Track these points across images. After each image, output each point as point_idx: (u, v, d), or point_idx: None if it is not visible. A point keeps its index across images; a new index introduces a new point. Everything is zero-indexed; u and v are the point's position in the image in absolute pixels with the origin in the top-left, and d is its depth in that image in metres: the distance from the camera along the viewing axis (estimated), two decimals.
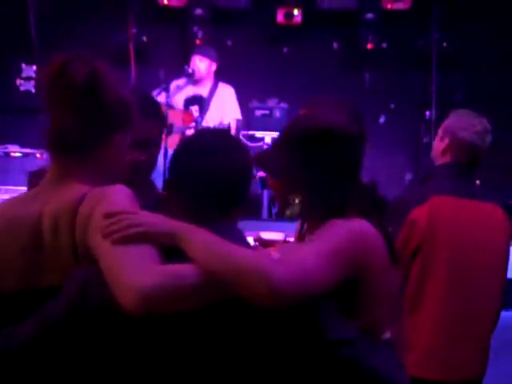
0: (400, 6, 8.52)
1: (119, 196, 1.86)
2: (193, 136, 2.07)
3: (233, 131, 6.91)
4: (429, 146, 7.35)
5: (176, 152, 1.96)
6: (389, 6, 8.55)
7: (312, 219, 2.07)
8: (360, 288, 1.88)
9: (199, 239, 1.68)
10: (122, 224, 1.71)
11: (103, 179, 2.00)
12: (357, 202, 2.02)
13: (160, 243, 1.71)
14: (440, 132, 3.41)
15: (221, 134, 2.03)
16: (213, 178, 1.86)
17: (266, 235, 2.61)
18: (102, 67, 2.00)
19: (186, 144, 2.00)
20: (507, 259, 3.36)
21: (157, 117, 2.67)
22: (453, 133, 3.34)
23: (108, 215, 1.74)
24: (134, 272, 1.63)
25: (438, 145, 3.39)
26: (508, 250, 3.37)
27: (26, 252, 1.92)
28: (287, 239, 2.64)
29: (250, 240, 2.53)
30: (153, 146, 2.65)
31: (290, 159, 2.06)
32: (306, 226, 2.12)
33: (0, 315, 1.95)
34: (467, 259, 3.20)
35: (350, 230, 1.90)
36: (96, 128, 1.99)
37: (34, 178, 3.06)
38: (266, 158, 2.18)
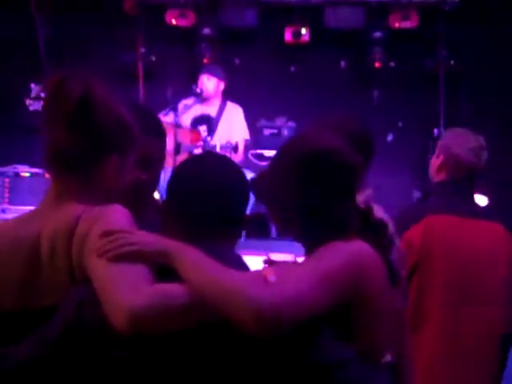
0: (407, 24, 8.54)
1: (116, 216, 1.86)
2: (190, 159, 2.08)
3: (241, 151, 6.91)
4: None
5: (174, 174, 1.97)
6: (396, 25, 8.57)
7: (311, 242, 2.04)
8: (357, 311, 1.85)
9: (190, 259, 1.67)
10: (116, 243, 1.71)
11: (101, 199, 2.00)
12: (355, 225, 2.01)
13: (154, 262, 1.72)
14: (436, 149, 3.40)
15: (218, 157, 2.06)
16: (210, 201, 1.86)
17: (276, 256, 2.59)
18: (98, 86, 2.01)
19: (183, 166, 2.01)
20: (510, 280, 3.25)
21: (158, 134, 2.60)
22: (448, 149, 3.32)
23: (104, 234, 1.75)
24: (125, 292, 1.64)
25: (434, 162, 3.37)
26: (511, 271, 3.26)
27: (25, 272, 1.93)
28: (296, 261, 2.61)
29: (260, 261, 2.52)
30: (154, 164, 2.58)
31: (286, 182, 2.04)
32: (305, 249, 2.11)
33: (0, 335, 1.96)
34: (463, 280, 3.14)
35: (349, 252, 1.88)
36: (90, 147, 1.99)
37: None
38: (261, 182, 2.14)
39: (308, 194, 2.00)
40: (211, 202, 1.86)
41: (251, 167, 7.16)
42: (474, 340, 3.14)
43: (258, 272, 1.79)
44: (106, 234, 1.75)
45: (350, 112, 7.09)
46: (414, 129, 8.58)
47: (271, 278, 1.76)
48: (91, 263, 1.76)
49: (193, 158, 2.17)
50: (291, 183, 2.03)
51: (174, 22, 8.64)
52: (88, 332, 1.72)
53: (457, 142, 3.31)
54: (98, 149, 2.00)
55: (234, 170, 1.98)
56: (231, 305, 1.61)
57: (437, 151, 3.38)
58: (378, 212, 2.61)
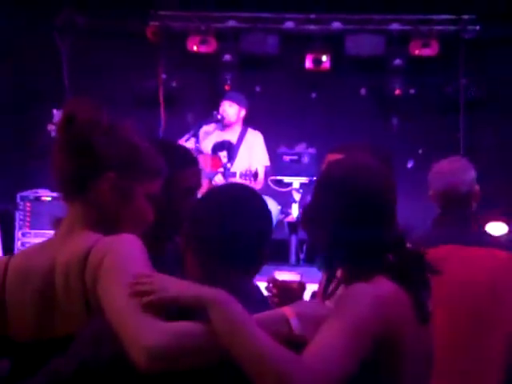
0: (428, 52, 8.56)
1: (127, 246, 1.86)
2: (212, 194, 2.03)
3: (261, 177, 6.91)
4: None
5: (198, 208, 1.95)
6: (416, 52, 8.58)
7: (348, 273, 2.02)
8: (385, 355, 1.82)
9: (223, 313, 1.64)
10: (150, 287, 1.70)
11: (113, 226, 2.01)
12: (384, 257, 1.95)
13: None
14: None
15: (246, 192, 1.99)
16: (238, 240, 1.84)
17: (281, 275, 2.56)
18: (102, 112, 2.04)
19: (208, 200, 1.97)
20: None
21: (188, 163, 2.61)
22: (429, 184, 3.34)
23: (138, 276, 1.73)
24: (143, 328, 1.64)
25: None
26: None
27: (40, 302, 1.95)
28: (302, 281, 2.58)
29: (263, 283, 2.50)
30: (191, 195, 2.56)
31: (320, 208, 2.02)
32: (331, 287, 2.09)
33: (14, 364, 1.97)
34: (457, 310, 3.02)
35: (374, 300, 1.81)
36: (85, 169, 2.00)
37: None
38: (306, 214, 2.12)
39: (340, 221, 1.97)
40: (238, 240, 1.85)
41: (270, 193, 7.17)
42: (476, 370, 3.04)
43: (279, 314, 1.77)
44: (140, 276, 1.74)
45: (371, 139, 7.10)
46: (434, 156, 8.49)
47: (293, 321, 1.74)
48: (108, 295, 1.76)
49: (214, 193, 2.08)
50: (325, 212, 2.01)
51: (195, 48, 8.69)
52: (105, 369, 1.71)
53: (434, 176, 3.33)
54: (92, 170, 2.01)
55: (262, 207, 1.95)
56: (259, 374, 1.61)
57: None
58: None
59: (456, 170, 3.33)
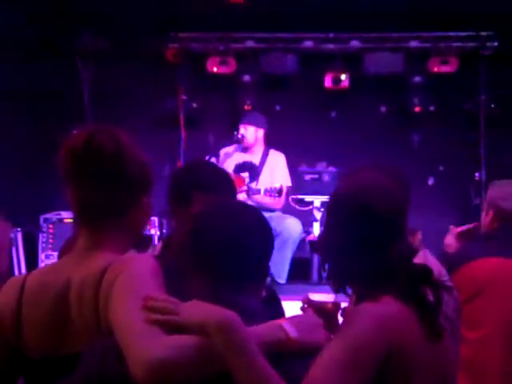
0: (447, 68, 8.56)
1: (140, 267, 1.89)
2: (219, 208, 2.04)
3: (283, 197, 6.91)
4: (478, 207, 7.31)
5: (203, 223, 1.96)
6: (435, 69, 8.59)
7: (358, 292, 2.03)
8: (392, 375, 1.82)
9: (227, 341, 1.67)
10: (158, 309, 1.73)
11: (131, 244, 2.08)
12: (397, 284, 1.94)
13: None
14: (485, 205, 3.46)
15: (247, 210, 2.02)
16: (232, 260, 1.86)
17: (315, 297, 2.58)
18: (124, 138, 2.06)
19: (213, 215, 1.98)
20: None
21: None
22: (495, 205, 3.38)
23: (147, 298, 1.76)
24: (144, 340, 1.67)
25: (485, 219, 3.46)
26: None
27: (54, 318, 1.98)
28: (337, 301, 2.60)
29: (298, 304, 2.52)
30: None
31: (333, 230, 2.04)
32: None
33: (27, 378, 2.02)
34: (508, 314, 3.15)
35: (377, 320, 1.83)
36: (120, 197, 2.05)
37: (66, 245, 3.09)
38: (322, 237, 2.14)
39: (347, 244, 1.99)
40: (233, 260, 1.87)
41: (291, 212, 7.19)
42: None
43: (275, 324, 1.80)
44: (150, 298, 1.76)
45: (391, 157, 7.09)
46: (455, 172, 8.54)
47: (287, 326, 1.79)
48: (115, 311, 1.79)
49: (218, 209, 2.06)
50: (333, 229, 2.03)
51: (215, 69, 8.74)
52: None
53: (503, 197, 3.37)
54: (128, 198, 2.06)
55: (263, 224, 1.97)
56: None
57: (485, 207, 3.44)
58: (427, 259, 2.60)
59: None
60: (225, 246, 1.87)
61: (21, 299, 2.04)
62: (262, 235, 1.95)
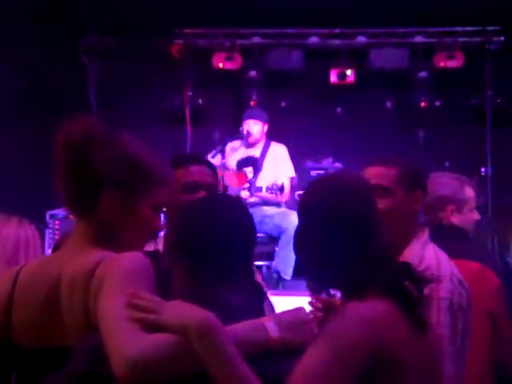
0: (452, 64, 8.55)
1: (129, 265, 1.89)
2: (198, 203, 2.06)
3: (287, 190, 6.90)
4: (484, 203, 7.29)
5: (185, 217, 1.98)
6: (441, 65, 8.59)
7: (344, 292, 2.03)
8: (382, 373, 1.81)
9: (208, 344, 1.69)
10: (143, 307, 1.75)
11: (122, 241, 2.07)
12: (380, 281, 1.93)
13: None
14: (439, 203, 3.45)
15: (229, 200, 2.05)
16: (217, 253, 1.88)
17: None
18: (98, 129, 2.08)
19: (195, 209, 2.00)
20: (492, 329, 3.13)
21: None
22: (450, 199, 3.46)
23: (132, 296, 1.78)
24: (125, 339, 1.68)
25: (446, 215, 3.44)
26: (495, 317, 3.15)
27: (44, 312, 2.00)
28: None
29: (305, 301, 2.52)
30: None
31: (304, 232, 2.04)
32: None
33: (17, 370, 2.04)
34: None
35: (363, 319, 1.82)
36: (85, 187, 2.05)
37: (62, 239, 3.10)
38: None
39: (326, 241, 1.98)
40: (218, 253, 1.88)
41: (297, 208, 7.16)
42: None
43: (256, 322, 1.80)
44: (136, 296, 1.78)
45: (397, 152, 7.09)
46: (461, 168, 8.46)
47: (269, 325, 1.80)
48: (102, 307, 1.81)
49: (200, 203, 2.09)
50: (312, 232, 2.02)
51: (220, 65, 8.75)
52: (103, 381, 1.73)
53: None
54: (92, 187, 2.06)
55: (246, 213, 1.99)
56: None
57: (441, 204, 3.46)
58: (428, 254, 2.59)
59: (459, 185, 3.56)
60: (205, 240, 1.88)
61: (13, 290, 2.06)
62: (243, 229, 1.96)
